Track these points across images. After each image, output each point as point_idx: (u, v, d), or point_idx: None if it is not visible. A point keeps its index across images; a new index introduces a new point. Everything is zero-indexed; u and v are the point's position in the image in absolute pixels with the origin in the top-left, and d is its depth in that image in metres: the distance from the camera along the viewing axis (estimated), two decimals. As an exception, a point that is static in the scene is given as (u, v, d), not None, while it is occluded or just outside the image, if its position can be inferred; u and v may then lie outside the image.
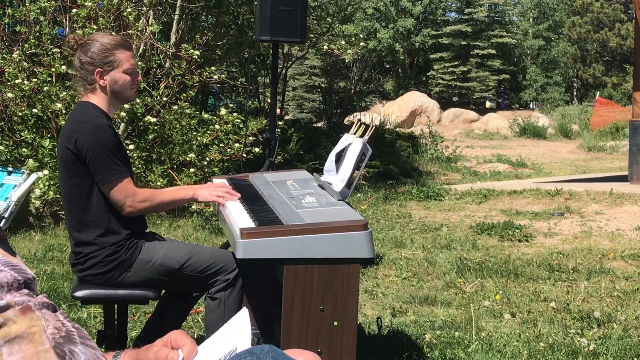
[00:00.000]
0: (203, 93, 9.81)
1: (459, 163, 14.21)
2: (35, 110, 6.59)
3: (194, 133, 7.25)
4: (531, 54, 34.06)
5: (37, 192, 6.17)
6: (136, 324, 3.86)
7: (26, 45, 6.81)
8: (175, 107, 7.18)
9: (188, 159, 7.07)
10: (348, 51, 9.99)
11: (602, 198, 8.24)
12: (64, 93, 6.60)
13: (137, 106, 6.85)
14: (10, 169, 5.93)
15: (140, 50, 7.23)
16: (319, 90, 19.02)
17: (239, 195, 2.83)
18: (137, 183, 5.36)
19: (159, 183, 6.52)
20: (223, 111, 7.50)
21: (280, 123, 7.64)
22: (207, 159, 7.22)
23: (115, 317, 2.92)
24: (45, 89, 6.60)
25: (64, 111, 6.52)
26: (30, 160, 6.38)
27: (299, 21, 3.92)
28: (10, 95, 6.56)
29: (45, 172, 6.28)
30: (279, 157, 7.51)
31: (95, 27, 6.66)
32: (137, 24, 7.13)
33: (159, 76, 7.55)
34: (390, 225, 7.18)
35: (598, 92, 31.09)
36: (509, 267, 5.37)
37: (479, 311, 4.32)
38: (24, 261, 1.26)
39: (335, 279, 2.30)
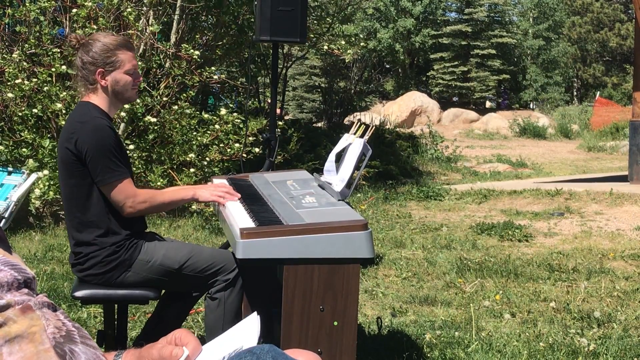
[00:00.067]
0: (203, 93, 9.82)
1: (459, 163, 14.21)
2: (35, 110, 6.60)
3: (194, 133, 7.25)
4: (531, 54, 34.06)
5: (37, 192, 6.18)
6: (136, 324, 3.86)
7: (26, 45, 6.81)
8: (175, 107, 7.18)
9: (188, 159, 7.07)
10: (348, 51, 9.99)
11: (602, 198, 8.24)
12: (64, 93, 6.60)
13: (137, 106, 6.85)
14: (10, 169, 5.92)
15: (141, 50, 7.23)
16: (319, 90, 19.01)
17: (239, 195, 2.83)
18: (137, 183, 5.35)
19: (159, 183, 6.52)
20: (223, 111, 7.50)
21: (280, 123, 7.65)
22: (207, 159, 7.22)
23: (115, 317, 2.92)
24: (45, 89, 6.61)
25: (64, 111, 6.52)
26: (30, 161, 6.38)
27: (299, 21, 3.92)
28: (10, 95, 6.56)
29: (45, 172, 6.28)
30: (279, 157, 7.51)
31: (95, 27, 6.66)
32: (137, 24, 7.13)
33: (159, 76, 7.56)
34: (390, 225, 7.18)
35: (598, 92, 31.09)
36: (509, 267, 5.37)
37: (479, 311, 4.32)
38: (23, 261, 1.26)
39: (335, 279, 2.30)
